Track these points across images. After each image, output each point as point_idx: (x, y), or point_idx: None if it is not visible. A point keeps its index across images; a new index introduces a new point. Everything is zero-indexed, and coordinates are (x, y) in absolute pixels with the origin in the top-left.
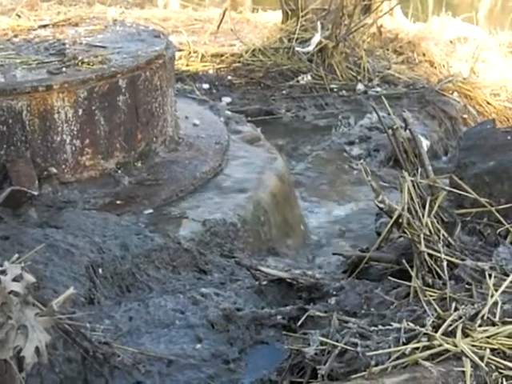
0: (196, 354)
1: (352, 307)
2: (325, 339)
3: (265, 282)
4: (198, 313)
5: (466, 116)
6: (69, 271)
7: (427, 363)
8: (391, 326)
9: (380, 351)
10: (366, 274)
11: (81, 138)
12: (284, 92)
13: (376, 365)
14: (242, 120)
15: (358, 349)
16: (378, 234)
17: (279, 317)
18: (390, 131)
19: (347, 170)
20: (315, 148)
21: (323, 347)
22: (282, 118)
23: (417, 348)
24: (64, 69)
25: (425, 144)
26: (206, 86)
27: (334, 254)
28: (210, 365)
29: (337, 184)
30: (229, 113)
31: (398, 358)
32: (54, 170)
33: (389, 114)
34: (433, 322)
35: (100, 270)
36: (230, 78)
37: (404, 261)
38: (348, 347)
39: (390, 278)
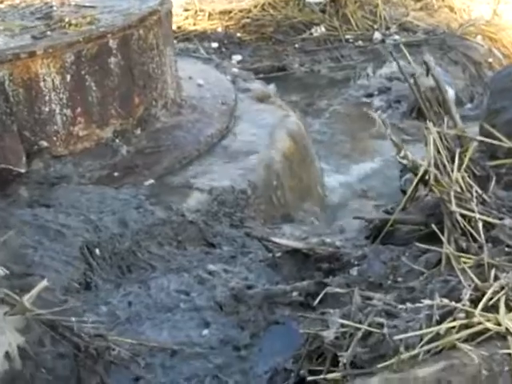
0: (203, 342)
1: (376, 278)
2: (346, 321)
3: (279, 254)
4: (204, 293)
5: (491, 60)
6: (60, 254)
7: (466, 346)
8: (422, 302)
9: (410, 334)
10: (390, 239)
11: (71, 106)
12: (297, 46)
13: (405, 348)
14: (250, 77)
15: (385, 330)
16: (403, 192)
17: (295, 293)
18: (411, 79)
19: (367, 124)
20: (332, 102)
21: (344, 329)
22: (296, 73)
23: (453, 327)
24: (49, 33)
25: (450, 92)
26: (214, 44)
27: (355, 218)
28: (218, 353)
29: (357, 140)
30: (236, 70)
31: (431, 341)
32: (45, 144)
33: (409, 63)
34: (470, 294)
35: (97, 251)
36: (239, 35)
37: (433, 222)
38: (373, 329)
39: (417, 244)
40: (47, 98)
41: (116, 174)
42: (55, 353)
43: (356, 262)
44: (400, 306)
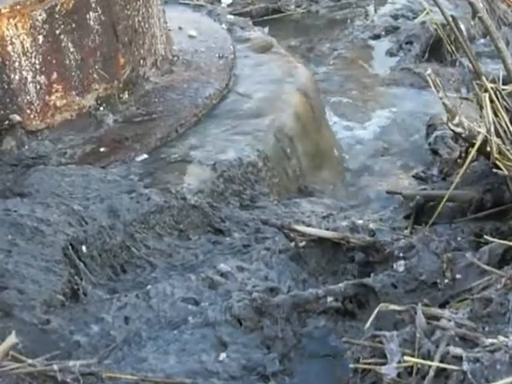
0: (220, 369)
1: (429, 275)
2: (411, 358)
3: (303, 243)
4: (217, 302)
5: None
6: (39, 259)
7: None
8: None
9: (505, 381)
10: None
11: (46, 72)
12: None
13: None
14: (248, 24)
15: (465, 366)
16: (434, 152)
17: (330, 299)
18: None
19: (378, 69)
20: (335, 46)
21: (409, 364)
22: (292, 15)
23: None
24: None
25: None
26: None
27: (389, 192)
28: None
29: (368, 88)
30: (231, 17)
31: None
32: (18, 118)
33: None
34: None
35: (83, 249)
36: None
37: (491, 200)
38: (449, 366)
39: (487, 237)
40: (17, 63)
41: (102, 149)
42: None
43: (401, 255)
44: (479, 333)
